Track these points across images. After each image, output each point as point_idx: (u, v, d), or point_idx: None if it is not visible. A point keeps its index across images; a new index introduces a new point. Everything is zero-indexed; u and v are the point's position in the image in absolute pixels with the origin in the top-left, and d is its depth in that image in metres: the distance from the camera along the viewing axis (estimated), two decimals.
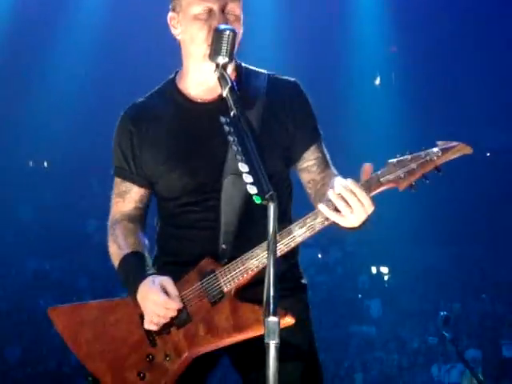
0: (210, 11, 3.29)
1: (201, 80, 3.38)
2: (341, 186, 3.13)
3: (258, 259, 3.28)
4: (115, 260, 3.47)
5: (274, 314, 2.74)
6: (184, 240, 3.43)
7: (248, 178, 2.94)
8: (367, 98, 16.06)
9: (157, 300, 3.26)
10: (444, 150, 3.17)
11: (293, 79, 3.54)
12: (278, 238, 3.13)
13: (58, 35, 15.05)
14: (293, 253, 3.40)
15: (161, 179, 3.43)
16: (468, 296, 14.38)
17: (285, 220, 3.35)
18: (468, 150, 3.19)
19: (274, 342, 2.74)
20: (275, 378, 2.75)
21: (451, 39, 15.36)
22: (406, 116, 15.62)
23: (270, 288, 2.76)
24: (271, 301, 2.75)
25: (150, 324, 3.31)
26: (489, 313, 13.97)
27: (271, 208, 2.81)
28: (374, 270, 15.57)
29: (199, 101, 3.42)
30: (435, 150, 3.17)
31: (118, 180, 3.55)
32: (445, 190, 14.57)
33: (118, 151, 3.53)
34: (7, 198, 15.28)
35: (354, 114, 15.85)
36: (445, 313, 9.91)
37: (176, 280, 3.32)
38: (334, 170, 3.47)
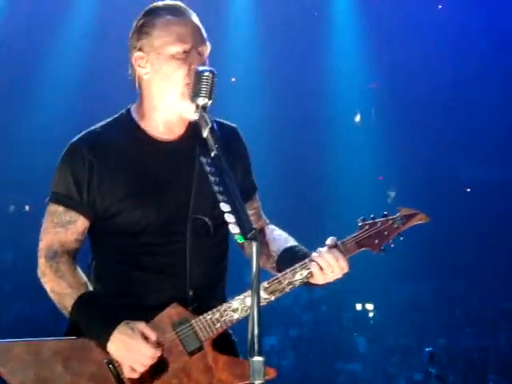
0: (188, 51, 3.31)
1: (167, 119, 3.35)
2: (325, 250, 3.28)
3: (237, 311, 3.27)
4: (65, 300, 3.26)
5: (259, 354, 2.74)
6: (145, 283, 3.31)
7: (230, 218, 2.94)
8: (347, 135, 16.13)
9: (140, 348, 3.18)
10: (407, 218, 3.49)
11: (234, 125, 3.56)
12: (265, 283, 3.20)
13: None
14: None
15: (122, 215, 3.31)
16: (452, 331, 14.37)
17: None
18: (426, 219, 3.52)
19: (260, 381, 2.74)
20: None
21: (431, 74, 15.50)
22: (387, 152, 15.69)
23: (254, 327, 2.76)
24: (256, 340, 2.75)
25: (132, 373, 3.22)
26: (474, 347, 13.95)
27: (254, 246, 2.81)
28: (358, 306, 15.55)
29: (162, 140, 3.39)
30: (399, 217, 3.47)
31: (59, 208, 3.34)
32: (426, 226, 14.60)
33: (67, 179, 3.35)
34: None
35: (334, 151, 15.90)
36: (430, 349, 9.92)
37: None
38: (266, 219, 3.54)
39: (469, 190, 16.18)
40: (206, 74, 3.13)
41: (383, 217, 3.46)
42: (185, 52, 3.31)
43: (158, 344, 3.20)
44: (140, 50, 3.35)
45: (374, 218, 3.45)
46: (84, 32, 14.58)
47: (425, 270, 15.45)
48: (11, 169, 14.98)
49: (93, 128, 3.40)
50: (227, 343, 3.34)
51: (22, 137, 15.09)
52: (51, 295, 3.34)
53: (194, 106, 3.16)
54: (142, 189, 3.32)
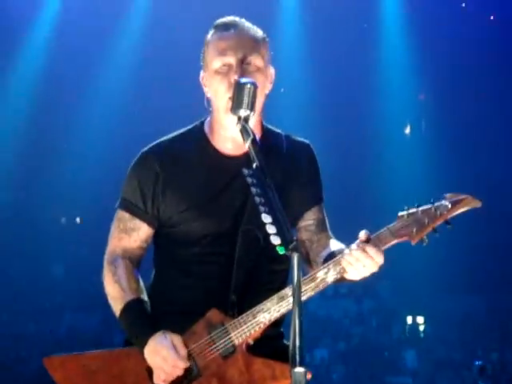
0: (229, 65, 3.36)
1: (226, 134, 3.42)
2: (355, 245, 3.20)
3: (269, 312, 3.28)
4: (116, 304, 3.40)
5: (301, 365, 2.74)
6: (192, 289, 3.41)
7: (271, 229, 2.98)
8: (397, 147, 16.06)
9: (167, 357, 3.24)
10: (453, 204, 3.26)
11: (307, 141, 3.62)
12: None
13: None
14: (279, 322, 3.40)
15: (180, 226, 3.42)
16: (506, 345, 14.18)
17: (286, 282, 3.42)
18: (477, 204, 3.26)
19: None
20: None
21: (479, 85, 15.36)
22: (437, 164, 15.58)
23: (295, 338, 2.76)
24: (297, 351, 2.75)
25: (159, 380, 3.29)
26: None
27: (295, 258, 2.83)
28: (409, 319, 15.43)
29: (228, 155, 3.46)
30: (444, 203, 3.25)
31: (126, 215, 3.48)
32: (478, 237, 14.45)
33: (135, 187, 3.48)
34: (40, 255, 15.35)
35: (384, 163, 15.84)
36: (480, 362, 9.79)
37: (181, 331, 3.31)
38: (330, 233, 3.53)
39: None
40: (247, 85, 3.16)
41: (427, 204, 3.27)
42: (225, 65, 3.35)
43: (191, 351, 3.24)
44: (203, 69, 3.45)
45: (416, 207, 3.27)
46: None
47: (477, 283, 15.28)
48: (62, 182, 15.16)
49: (165, 139, 3.53)
50: (276, 349, 3.36)
51: (73, 148, 15.29)
52: (108, 298, 3.44)
53: (236, 119, 3.19)
54: (202, 201, 3.42)
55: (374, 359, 13.73)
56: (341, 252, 3.33)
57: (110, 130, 14.78)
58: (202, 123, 3.54)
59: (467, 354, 13.44)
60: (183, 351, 3.26)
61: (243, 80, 3.21)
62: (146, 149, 3.52)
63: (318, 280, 3.31)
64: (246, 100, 3.18)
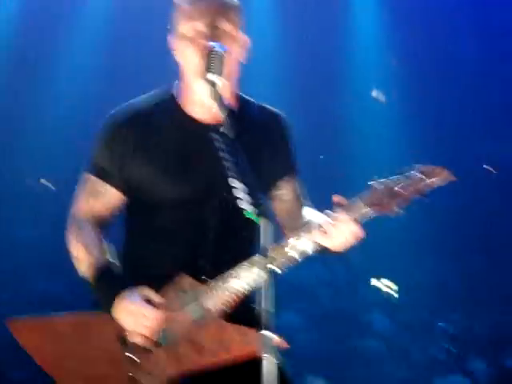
0: (197, 29, 3.34)
1: (196, 98, 3.42)
2: (329, 212, 3.22)
3: (239, 278, 3.30)
4: (81, 265, 3.39)
5: (269, 328, 2.77)
6: (164, 255, 3.43)
7: (239, 194, 3.00)
8: (367, 116, 16.09)
9: (143, 311, 3.25)
10: (427, 176, 3.28)
11: (281, 113, 3.63)
12: (271, 249, 3.20)
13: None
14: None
15: (151, 190, 3.43)
16: (474, 308, 14.34)
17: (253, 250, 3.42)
18: (450, 178, 3.25)
19: (268, 355, 2.76)
20: None
21: (454, 47, 15.38)
22: (407, 130, 15.62)
23: (263, 302, 2.79)
24: (267, 315, 2.78)
25: (137, 337, 3.29)
26: (496, 325, 13.92)
27: (263, 223, 2.85)
28: (379, 284, 15.55)
29: (198, 119, 3.46)
30: (417, 174, 3.21)
31: (93, 178, 3.49)
32: (448, 203, 14.55)
33: (104, 151, 3.48)
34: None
35: (353, 126, 15.86)
36: (447, 325, 9.93)
37: None
38: (310, 203, 3.55)
39: (489, 168, 16.09)
40: (217, 50, 3.16)
41: (398, 175, 3.32)
42: (193, 30, 3.34)
43: (163, 306, 3.25)
44: (171, 32, 3.43)
45: (388, 178, 3.32)
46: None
47: (446, 247, 15.41)
48: (29, 142, 14.94)
49: (134, 102, 3.51)
50: (247, 314, 3.39)
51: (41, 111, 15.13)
52: (73, 260, 3.45)
53: (208, 84, 3.19)
54: (174, 166, 3.43)
55: (344, 323, 13.84)
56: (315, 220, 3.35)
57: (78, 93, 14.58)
58: (171, 87, 3.53)
59: (435, 317, 13.59)
60: (158, 299, 3.27)
61: (213, 44, 3.20)
62: (113, 112, 3.51)
63: (289, 247, 3.33)
64: (216, 65, 3.18)
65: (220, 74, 3.12)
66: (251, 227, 3.30)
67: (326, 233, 3.26)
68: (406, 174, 3.22)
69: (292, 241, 3.28)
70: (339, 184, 15.14)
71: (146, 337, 3.25)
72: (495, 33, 15.03)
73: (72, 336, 3.30)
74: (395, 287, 15.13)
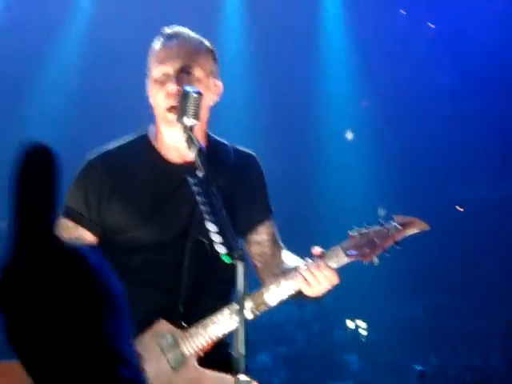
0: (167, 74, 3.35)
1: (170, 142, 3.42)
2: (309, 261, 3.24)
3: (220, 325, 3.28)
4: None
5: (245, 373, 2.75)
6: (139, 299, 3.38)
7: (216, 238, 2.99)
8: (341, 154, 16.17)
9: None
10: (403, 226, 3.36)
11: (253, 153, 3.62)
12: (249, 297, 3.19)
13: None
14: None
15: (125, 233, 3.41)
16: (445, 349, 14.36)
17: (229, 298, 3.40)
18: (424, 227, 3.35)
19: None
20: None
21: (422, 91, 15.54)
22: (379, 172, 15.72)
23: (239, 347, 2.77)
24: (241, 360, 2.76)
25: None
26: (467, 366, 13.93)
27: (240, 267, 2.84)
28: (350, 324, 15.53)
29: (174, 163, 3.45)
30: (394, 224, 3.32)
31: (69, 223, 3.46)
32: (417, 243, 14.62)
33: (79, 195, 3.45)
34: None
35: (326, 168, 15.93)
36: (420, 367, 9.92)
37: None
38: (283, 246, 3.56)
39: (460, 208, 16.21)
40: (191, 93, 3.16)
41: (378, 225, 3.38)
42: (164, 74, 3.35)
43: (142, 360, 3.22)
44: (147, 77, 3.44)
45: (367, 227, 3.36)
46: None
47: (417, 287, 15.45)
48: None
49: (110, 146, 3.51)
50: (222, 358, 3.36)
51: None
52: None
53: (180, 129, 3.19)
54: (147, 208, 3.41)
55: (316, 364, 13.79)
56: (294, 267, 3.36)
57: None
58: (146, 131, 3.54)
59: (407, 358, 13.58)
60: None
61: (187, 88, 3.21)
62: (91, 156, 3.51)
63: (270, 295, 3.33)
64: (190, 108, 3.18)
65: (196, 118, 3.13)
66: (228, 270, 3.30)
67: (306, 281, 3.26)
68: (385, 224, 3.29)
69: (272, 287, 3.27)
70: (311, 228, 15.21)
71: None
72: (470, 66, 15.23)
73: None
74: (366, 328, 15.13)
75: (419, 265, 15.24)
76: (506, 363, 13.96)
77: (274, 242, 3.54)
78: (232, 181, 3.40)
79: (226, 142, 3.56)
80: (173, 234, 3.34)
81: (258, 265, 3.50)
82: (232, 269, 3.33)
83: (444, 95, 15.53)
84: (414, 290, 15.29)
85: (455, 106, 15.51)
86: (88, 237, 3.38)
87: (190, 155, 3.11)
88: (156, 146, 3.43)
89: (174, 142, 3.34)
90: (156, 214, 3.34)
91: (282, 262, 3.49)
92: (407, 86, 15.30)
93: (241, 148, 3.60)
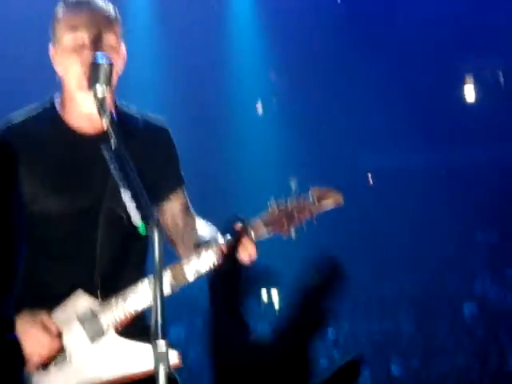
0: (82, 41, 3.30)
1: (81, 111, 3.36)
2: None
3: (140, 297, 3.27)
4: None
5: (163, 338, 2.75)
6: (55, 272, 3.34)
7: (131, 206, 2.96)
8: (249, 127, 16.22)
9: (40, 340, 3.19)
10: (318, 199, 3.36)
11: (164, 123, 3.57)
12: (169, 269, 3.19)
13: None
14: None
15: (34, 205, 3.33)
16: (355, 316, 14.62)
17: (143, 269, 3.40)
18: (339, 200, 3.37)
19: (163, 366, 2.74)
20: None
21: (330, 62, 15.68)
22: (290, 142, 15.84)
23: (157, 315, 2.77)
24: (159, 325, 2.76)
25: (32, 360, 3.23)
26: (376, 331, 14.24)
27: (156, 235, 2.82)
28: (264, 293, 15.63)
29: (84, 132, 3.40)
30: (311, 197, 3.36)
31: None
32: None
33: None
34: None
35: (237, 143, 15.97)
36: (333, 333, 10.06)
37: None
38: (195, 215, 3.55)
39: (370, 178, 16.47)
40: (103, 63, 3.12)
41: (295, 198, 3.37)
42: (78, 42, 3.29)
43: (59, 334, 3.20)
44: (53, 44, 3.36)
45: (285, 200, 3.36)
46: None
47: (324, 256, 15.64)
48: None
49: (13, 117, 3.39)
50: (140, 330, 3.35)
51: None
52: None
53: (91, 97, 3.15)
54: (57, 180, 3.34)
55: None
56: (214, 239, 3.36)
57: None
58: (52, 99, 3.45)
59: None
60: (54, 328, 3.21)
61: (99, 58, 3.17)
62: None
63: (190, 267, 3.32)
64: (102, 77, 3.15)
65: (107, 85, 3.09)
66: (143, 240, 3.30)
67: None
68: (302, 197, 3.29)
69: (192, 260, 3.27)
70: (228, 200, 15.21)
71: (37, 361, 3.19)
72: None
73: None
74: (279, 298, 15.29)
75: (329, 235, 15.46)
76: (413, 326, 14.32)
77: (187, 212, 3.52)
78: (141, 151, 3.33)
79: (134, 110, 3.50)
80: (85, 205, 3.29)
81: (171, 235, 3.48)
82: (147, 238, 3.34)
83: (350, 65, 15.69)
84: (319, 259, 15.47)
85: (365, 73, 15.69)
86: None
87: (102, 124, 3.07)
88: (64, 116, 3.36)
89: (86, 110, 3.28)
90: (67, 185, 3.28)
91: (195, 231, 3.48)
92: (315, 54, 15.41)
93: (151, 116, 3.54)
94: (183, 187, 3.58)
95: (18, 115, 3.43)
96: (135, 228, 2.98)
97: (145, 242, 3.40)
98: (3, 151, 3.37)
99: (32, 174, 3.34)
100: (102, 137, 3.26)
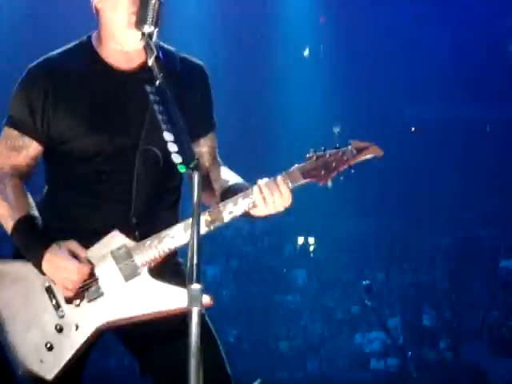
0: None
1: (122, 48, 3.33)
2: (267, 179, 3.25)
3: (174, 238, 3.29)
4: (7, 222, 3.31)
5: (197, 281, 2.77)
6: (88, 208, 3.35)
7: (173, 147, 2.96)
8: (296, 71, 16.10)
9: (68, 266, 3.21)
10: (358, 151, 3.38)
11: (202, 63, 3.54)
12: (206, 213, 3.20)
13: None
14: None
15: (72, 142, 3.32)
16: (391, 266, 14.64)
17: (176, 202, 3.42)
18: (379, 153, 3.40)
19: (197, 308, 2.77)
20: (197, 344, 2.77)
21: (380, 15, 15.49)
22: (335, 89, 15.71)
23: (193, 256, 2.79)
24: (194, 268, 2.78)
25: (66, 291, 3.26)
26: (411, 283, 14.23)
27: (196, 177, 2.83)
28: (300, 240, 15.71)
29: (120, 69, 3.38)
30: (350, 149, 3.37)
31: (14, 132, 3.36)
32: (370, 164, 14.73)
33: (23, 104, 3.36)
34: None
35: (283, 86, 15.87)
36: (367, 282, 10.11)
37: None
38: (220, 161, 3.54)
39: (413, 128, 16.33)
40: (153, 1, 3.10)
41: (334, 149, 3.38)
42: None
43: (90, 261, 3.24)
44: None
45: (324, 150, 3.37)
46: None
47: (367, 207, 15.64)
48: None
49: (52, 54, 3.40)
50: (174, 272, 3.37)
51: None
52: None
53: (139, 34, 3.14)
54: (95, 117, 3.34)
55: (265, 278, 13.97)
56: (242, 185, 3.37)
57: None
58: (89, 37, 3.43)
59: (355, 274, 13.82)
60: (83, 254, 3.24)
61: None
62: (33, 64, 3.40)
63: (227, 212, 3.33)
64: (151, 16, 3.13)
65: (156, 25, 3.08)
66: (176, 178, 3.32)
67: (264, 198, 3.26)
68: (341, 148, 3.31)
69: (229, 206, 3.27)
70: (268, 149, 15.19)
71: (72, 290, 3.22)
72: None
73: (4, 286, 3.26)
74: (315, 244, 15.33)
75: (369, 186, 15.43)
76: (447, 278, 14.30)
77: (213, 157, 3.51)
78: (178, 91, 3.31)
79: (173, 50, 3.47)
80: (123, 143, 3.27)
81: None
82: (180, 177, 3.36)
83: (400, 21, 15.49)
84: (362, 211, 15.48)
85: (412, 28, 15.48)
86: (33, 146, 3.31)
87: (149, 63, 3.06)
88: (101, 52, 3.34)
89: (128, 48, 3.26)
90: (105, 122, 3.26)
91: (219, 177, 3.47)
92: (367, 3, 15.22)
93: (189, 58, 3.51)
94: (214, 133, 3.56)
95: (56, 53, 3.43)
96: (171, 167, 2.98)
97: (179, 182, 3.41)
98: (41, 84, 3.37)
99: (72, 112, 3.34)
100: (139, 75, 3.25)
